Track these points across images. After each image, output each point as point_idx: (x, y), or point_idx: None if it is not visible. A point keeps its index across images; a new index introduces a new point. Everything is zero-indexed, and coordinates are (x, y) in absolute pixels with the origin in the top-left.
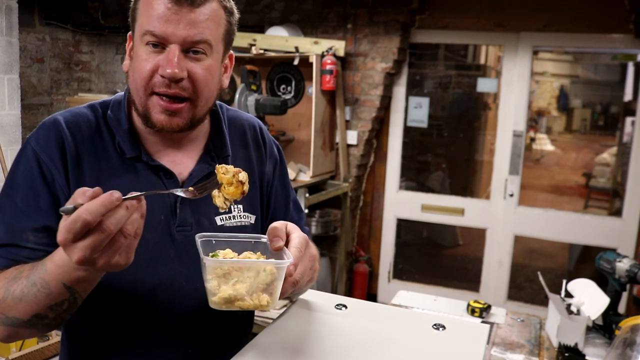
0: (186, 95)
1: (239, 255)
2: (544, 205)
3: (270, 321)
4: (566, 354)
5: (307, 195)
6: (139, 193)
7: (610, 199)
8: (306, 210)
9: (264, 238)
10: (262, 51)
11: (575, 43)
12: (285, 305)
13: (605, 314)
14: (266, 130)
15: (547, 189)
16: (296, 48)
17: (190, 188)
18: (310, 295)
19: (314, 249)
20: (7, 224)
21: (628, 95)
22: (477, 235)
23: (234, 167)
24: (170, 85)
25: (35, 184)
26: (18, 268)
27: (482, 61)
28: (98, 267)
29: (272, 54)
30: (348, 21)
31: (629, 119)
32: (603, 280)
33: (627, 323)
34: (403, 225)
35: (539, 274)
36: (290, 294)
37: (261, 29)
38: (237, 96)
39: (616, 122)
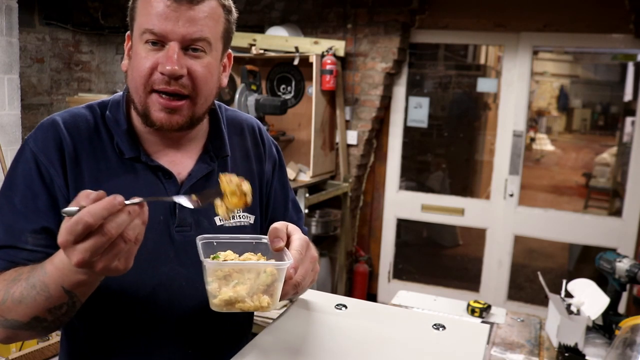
0: (186, 93)
1: (239, 256)
2: (544, 205)
3: (270, 321)
4: (566, 354)
5: (307, 195)
6: (141, 199)
7: (610, 199)
8: (306, 210)
9: (265, 239)
10: (262, 51)
11: (575, 43)
12: (285, 306)
13: (605, 314)
14: (265, 131)
15: (547, 189)
16: (296, 48)
17: (193, 197)
18: (310, 295)
19: (314, 251)
20: (6, 226)
21: (628, 95)
22: (477, 235)
23: (237, 174)
24: (170, 83)
25: (33, 185)
26: (17, 270)
27: (482, 61)
28: (97, 270)
29: (272, 54)
30: (348, 21)
31: (629, 119)
32: (603, 280)
33: (627, 323)
34: (403, 225)
35: (539, 274)
36: (292, 295)
37: (261, 29)
38: (237, 96)
39: (616, 122)
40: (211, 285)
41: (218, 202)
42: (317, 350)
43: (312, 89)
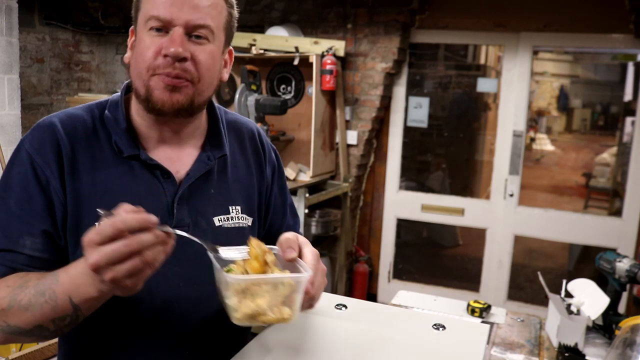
0: (189, 77)
1: (243, 246)
2: (544, 205)
3: None
4: (566, 354)
5: (307, 195)
6: (172, 230)
7: (610, 199)
8: (306, 211)
9: (275, 249)
10: (262, 51)
11: (575, 43)
12: None
13: (605, 314)
14: (264, 135)
15: (547, 189)
16: (296, 48)
17: (220, 251)
18: None
19: (322, 264)
20: (3, 229)
21: (628, 95)
22: (477, 235)
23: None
24: (174, 65)
25: (29, 186)
26: (22, 277)
27: (482, 61)
28: (106, 279)
29: (272, 54)
30: (348, 21)
31: (629, 119)
32: (603, 280)
33: (627, 323)
34: (403, 225)
35: (539, 274)
36: (306, 309)
37: (261, 29)
38: (237, 96)
39: (616, 122)
40: (231, 300)
41: (240, 261)
42: (317, 350)
43: (312, 89)
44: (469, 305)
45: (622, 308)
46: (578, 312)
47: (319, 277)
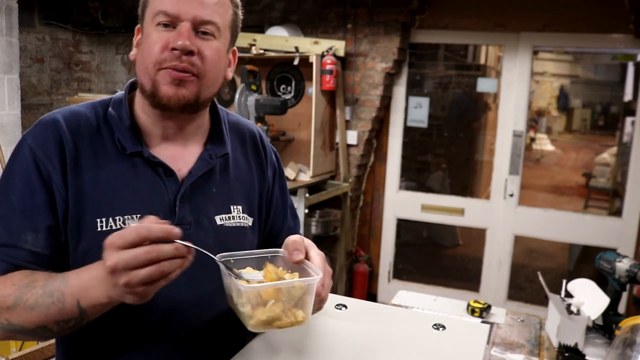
0: (195, 72)
1: (259, 272)
2: (544, 205)
3: None
4: (566, 354)
5: (307, 195)
6: (193, 246)
7: (610, 199)
8: (306, 211)
9: (281, 252)
10: (262, 51)
11: (575, 43)
12: None
13: (605, 314)
14: (266, 137)
15: (547, 189)
16: (296, 48)
17: (238, 275)
18: None
19: (328, 266)
20: (4, 223)
21: (628, 95)
22: (477, 235)
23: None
24: (181, 58)
25: (31, 181)
26: (28, 275)
27: (482, 61)
28: (120, 283)
29: (272, 54)
30: (348, 21)
31: (629, 119)
32: (603, 280)
33: (627, 323)
34: (403, 225)
35: (539, 274)
36: (316, 311)
37: (261, 29)
38: (237, 96)
39: (616, 122)
40: (245, 308)
41: (253, 281)
42: (317, 351)
43: (312, 89)
44: (469, 305)
45: (622, 308)
46: (578, 312)
47: (327, 279)
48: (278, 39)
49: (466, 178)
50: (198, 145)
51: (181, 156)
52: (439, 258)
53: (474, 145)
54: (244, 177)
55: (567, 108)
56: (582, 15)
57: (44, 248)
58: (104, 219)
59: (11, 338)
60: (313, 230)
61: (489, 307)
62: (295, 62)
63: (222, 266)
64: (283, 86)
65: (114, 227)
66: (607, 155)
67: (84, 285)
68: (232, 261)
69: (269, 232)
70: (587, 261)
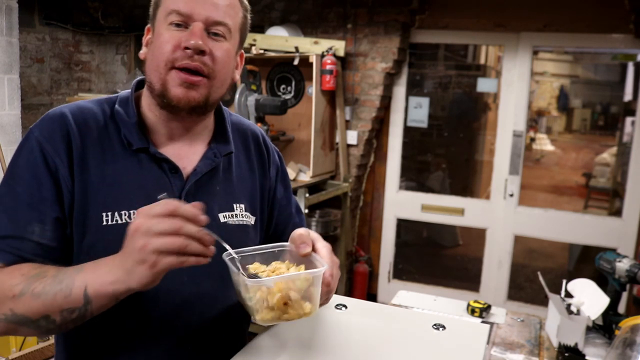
0: (206, 72)
1: (266, 266)
2: (544, 205)
3: None
4: (566, 354)
5: (307, 195)
6: (216, 236)
7: (610, 199)
8: (306, 211)
9: (287, 246)
10: (262, 51)
11: (575, 43)
12: None
13: (605, 314)
14: (268, 138)
15: (547, 189)
16: (296, 48)
17: (252, 274)
18: None
19: (335, 256)
20: (10, 215)
21: (628, 95)
22: (477, 235)
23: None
24: (193, 57)
25: (38, 173)
26: (38, 267)
27: (482, 61)
28: (137, 245)
29: (272, 54)
30: (348, 21)
31: (629, 119)
32: (603, 280)
33: (627, 323)
34: (403, 225)
35: (539, 274)
36: (325, 302)
37: (261, 29)
38: (237, 96)
39: (616, 122)
40: (253, 302)
41: (266, 270)
42: (317, 350)
43: (312, 89)
44: (469, 305)
45: (622, 308)
46: (578, 312)
47: (335, 270)
48: (278, 39)
49: (466, 178)
50: (203, 144)
51: (186, 154)
52: (439, 258)
53: (474, 145)
54: (246, 177)
55: (567, 108)
56: (582, 15)
57: (51, 240)
58: (109, 213)
59: (11, 332)
60: (313, 230)
61: (489, 307)
62: (295, 62)
63: (228, 262)
64: (283, 86)
65: (119, 222)
66: (607, 155)
67: (96, 269)
68: (239, 258)
69: (275, 229)
70: (587, 261)
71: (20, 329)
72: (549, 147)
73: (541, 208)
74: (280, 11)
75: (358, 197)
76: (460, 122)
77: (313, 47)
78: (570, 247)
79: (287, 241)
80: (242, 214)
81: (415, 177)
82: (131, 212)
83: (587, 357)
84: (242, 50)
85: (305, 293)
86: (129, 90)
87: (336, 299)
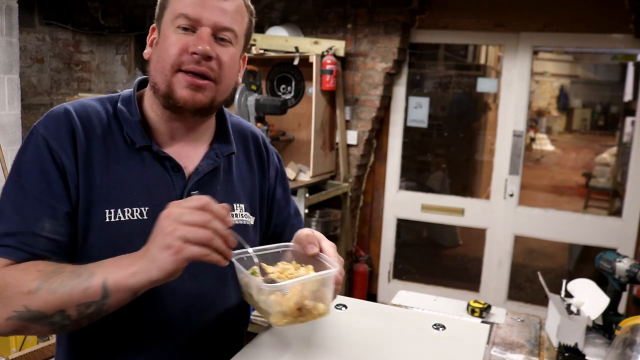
0: (212, 76)
1: (274, 267)
2: (544, 205)
3: None
4: (566, 354)
5: (307, 195)
6: (239, 237)
7: (610, 199)
8: (306, 211)
9: (292, 246)
10: (262, 51)
11: (575, 43)
12: None
13: (605, 314)
14: (267, 139)
15: (547, 189)
16: (296, 48)
17: (265, 274)
18: None
19: (339, 255)
20: (19, 211)
21: (628, 95)
22: (477, 235)
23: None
24: (200, 62)
25: (46, 169)
26: (53, 264)
27: (482, 61)
28: (167, 230)
29: (272, 54)
30: (348, 21)
31: (629, 119)
32: (603, 280)
33: (627, 323)
34: (403, 225)
35: (539, 274)
36: (333, 299)
37: (261, 29)
38: (237, 96)
39: (616, 122)
40: (267, 305)
41: (275, 272)
42: (317, 350)
43: (312, 89)
44: (469, 305)
45: (622, 308)
46: (578, 312)
47: (341, 268)
48: (278, 39)
49: (466, 178)
50: (204, 144)
51: (187, 154)
52: (439, 258)
53: (474, 145)
54: (246, 177)
55: (567, 108)
56: (582, 15)
57: (63, 235)
58: (112, 210)
59: (22, 330)
60: (313, 229)
61: (489, 307)
62: (295, 62)
63: (237, 264)
64: (283, 86)
65: (122, 218)
66: (607, 155)
67: (117, 262)
68: (245, 258)
69: (273, 230)
70: (587, 261)
71: (32, 327)
72: (549, 147)
73: (541, 208)
74: (280, 11)
75: (358, 197)
76: (460, 122)
77: (313, 47)
78: (570, 247)
79: (287, 241)
80: (242, 214)
81: (415, 177)
82: (134, 209)
83: (587, 357)
84: (245, 54)
85: (318, 293)
86: (131, 89)
87: (336, 299)
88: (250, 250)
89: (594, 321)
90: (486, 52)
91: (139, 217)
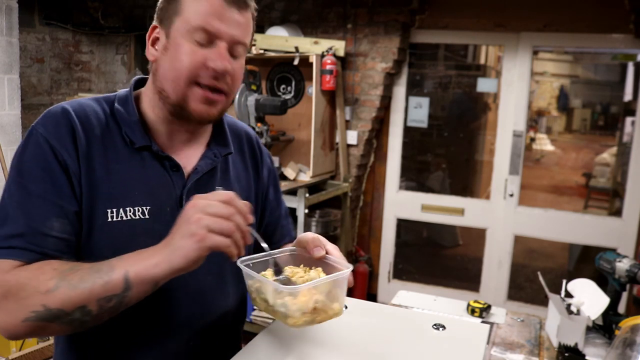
0: (226, 90)
1: (283, 271)
2: (544, 205)
3: (270, 321)
4: (566, 354)
5: (307, 195)
6: (257, 235)
7: (610, 199)
8: (306, 211)
9: (294, 250)
10: (262, 51)
11: (575, 43)
12: None
13: (605, 314)
14: (260, 140)
15: (547, 189)
16: (296, 48)
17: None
18: None
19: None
20: (26, 212)
21: (628, 95)
22: (477, 235)
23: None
24: (218, 79)
25: (50, 169)
26: (68, 263)
27: (482, 61)
28: (193, 218)
29: (272, 54)
30: (348, 21)
31: (629, 119)
32: (603, 280)
33: (627, 323)
34: (403, 225)
35: (539, 274)
36: None
37: (261, 29)
38: (237, 96)
39: (616, 122)
40: (285, 308)
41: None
42: (317, 351)
43: (312, 89)
44: (469, 305)
45: (622, 308)
46: (578, 312)
47: None
48: (278, 39)
49: (466, 178)
50: (202, 144)
51: (185, 154)
52: (439, 258)
53: (474, 145)
54: (242, 177)
55: (567, 108)
56: (582, 15)
57: (71, 234)
58: (114, 210)
59: (39, 331)
60: (313, 230)
61: (489, 307)
62: (295, 62)
63: (245, 269)
64: (283, 86)
65: (124, 218)
66: (607, 155)
67: (137, 255)
68: (251, 264)
69: (265, 230)
70: (587, 261)
71: (50, 327)
72: (549, 147)
73: (541, 208)
74: (280, 11)
75: (358, 197)
76: (460, 122)
77: (313, 47)
78: (570, 247)
79: (276, 242)
80: None
81: (415, 177)
82: (135, 208)
83: (587, 357)
84: None
85: (333, 293)
86: (127, 89)
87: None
88: (265, 246)
89: (594, 321)
90: (486, 52)
91: (141, 216)
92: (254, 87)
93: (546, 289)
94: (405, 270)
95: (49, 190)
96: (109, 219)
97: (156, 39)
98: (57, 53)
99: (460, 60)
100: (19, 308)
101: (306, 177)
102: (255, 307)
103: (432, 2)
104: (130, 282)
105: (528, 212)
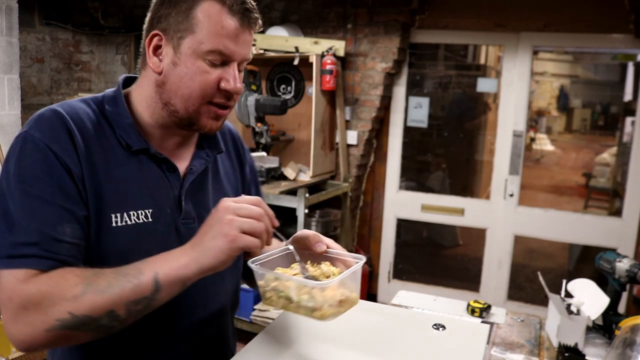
0: (232, 105)
1: (291, 269)
2: (544, 205)
3: (270, 321)
4: (566, 354)
5: (307, 195)
6: (280, 235)
7: (610, 199)
8: (306, 210)
9: (290, 248)
10: (262, 51)
11: (575, 43)
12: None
13: (605, 314)
14: (242, 137)
15: (547, 189)
16: (296, 48)
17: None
18: None
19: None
20: (35, 219)
21: (628, 95)
22: (477, 235)
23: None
24: (230, 98)
25: (54, 173)
26: (89, 268)
27: (482, 61)
28: (225, 219)
29: (272, 54)
30: (348, 21)
31: (629, 119)
32: (603, 280)
33: (627, 323)
34: (403, 225)
35: (539, 274)
36: None
37: (261, 29)
38: None
39: (616, 122)
40: (312, 303)
41: (310, 272)
42: (317, 351)
43: (312, 89)
44: (469, 305)
45: (622, 308)
46: (578, 312)
47: None
48: (278, 39)
49: (466, 178)
50: (191, 144)
51: (177, 155)
52: (439, 258)
53: (474, 145)
54: (230, 175)
55: (567, 108)
56: (582, 15)
57: (82, 239)
58: (118, 214)
59: (63, 339)
60: (313, 230)
61: (489, 307)
62: (295, 62)
63: (257, 269)
64: (283, 86)
65: (128, 222)
66: (607, 155)
67: (165, 257)
68: (258, 267)
69: None
70: (587, 261)
71: (75, 335)
72: (549, 147)
73: (541, 208)
74: (280, 11)
75: (358, 197)
76: (460, 122)
77: (313, 47)
78: (570, 247)
79: None
80: None
81: (415, 177)
82: (139, 212)
83: (587, 357)
84: None
85: (352, 284)
86: (114, 89)
87: None
88: (291, 247)
89: (594, 321)
90: (486, 52)
91: (145, 219)
92: (254, 87)
93: (546, 289)
94: (405, 270)
95: (57, 195)
96: (114, 224)
97: (158, 47)
98: (57, 53)
99: (460, 60)
100: (42, 318)
101: (306, 177)
102: (264, 307)
103: (432, 2)
104: (159, 284)
105: (528, 212)
